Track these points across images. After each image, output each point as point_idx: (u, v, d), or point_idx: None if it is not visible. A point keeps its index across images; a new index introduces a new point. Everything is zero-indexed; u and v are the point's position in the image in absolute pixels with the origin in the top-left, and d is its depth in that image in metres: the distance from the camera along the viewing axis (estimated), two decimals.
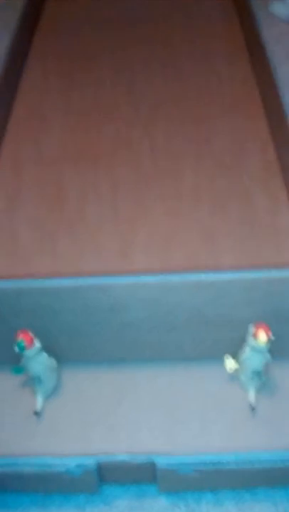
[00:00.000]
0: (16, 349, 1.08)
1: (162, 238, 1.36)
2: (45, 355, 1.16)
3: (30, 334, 1.12)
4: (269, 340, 1.12)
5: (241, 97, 1.70)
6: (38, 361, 1.14)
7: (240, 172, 1.48)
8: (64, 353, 1.27)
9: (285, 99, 1.49)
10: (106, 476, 1.00)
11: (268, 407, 1.13)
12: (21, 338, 1.09)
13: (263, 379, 1.20)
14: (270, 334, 1.13)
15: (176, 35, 1.98)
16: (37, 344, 1.12)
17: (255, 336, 1.13)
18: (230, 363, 1.19)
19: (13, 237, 1.38)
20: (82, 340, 1.29)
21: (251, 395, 1.18)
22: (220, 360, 1.19)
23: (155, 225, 1.38)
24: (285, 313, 1.24)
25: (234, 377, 1.20)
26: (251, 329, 1.15)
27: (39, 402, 1.17)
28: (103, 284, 1.20)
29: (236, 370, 1.20)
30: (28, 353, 1.10)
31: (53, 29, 2.09)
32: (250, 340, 1.14)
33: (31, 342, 1.11)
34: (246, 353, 1.16)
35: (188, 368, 1.19)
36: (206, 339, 1.25)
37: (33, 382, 1.17)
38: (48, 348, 1.21)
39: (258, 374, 1.17)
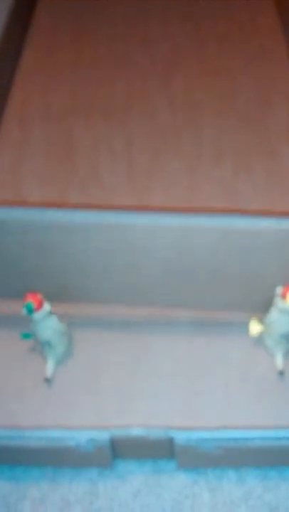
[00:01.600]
0: (25, 311, 1.01)
1: (181, 198, 1.26)
2: (55, 318, 1.08)
3: (40, 296, 1.04)
4: None
5: (266, 46, 1.57)
6: (48, 325, 1.06)
7: (266, 126, 1.37)
8: (73, 299, 1.18)
9: None
10: (120, 450, 0.93)
11: None
12: (30, 300, 1.02)
13: None
14: None
15: None
16: (46, 307, 1.05)
17: (283, 296, 1.04)
18: (254, 326, 1.10)
19: (20, 196, 1.29)
20: (93, 285, 1.19)
21: (279, 360, 1.09)
22: (244, 324, 1.10)
23: (173, 184, 1.29)
24: None
25: (259, 341, 1.11)
26: (279, 290, 1.06)
27: (49, 368, 1.10)
28: (118, 222, 1.08)
29: (261, 334, 1.11)
30: (37, 316, 1.03)
31: None
32: (278, 301, 1.05)
33: (40, 304, 1.03)
34: (273, 315, 1.07)
35: (210, 333, 1.10)
36: (230, 297, 1.15)
37: (42, 347, 1.10)
38: (55, 295, 1.12)
39: (286, 338, 1.08)
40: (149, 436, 0.91)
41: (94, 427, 0.92)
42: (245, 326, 1.10)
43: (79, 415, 0.94)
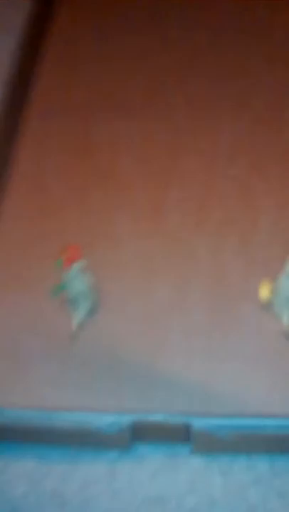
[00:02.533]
0: (58, 264, 1.02)
1: (196, 195, 1.31)
2: (86, 275, 1.10)
3: (78, 250, 1.06)
4: None
5: (283, 45, 1.60)
6: (79, 280, 1.08)
7: (280, 128, 1.41)
8: None
9: None
10: (139, 434, 0.98)
11: None
12: (68, 253, 1.03)
13: None
14: None
15: None
16: (80, 263, 1.06)
17: None
18: (264, 291, 1.14)
19: (43, 190, 1.34)
20: None
21: (285, 319, 1.13)
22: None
23: (189, 181, 1.33)
24: None
25: (269, 307, 1.14)
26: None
27: (76, 322, 1.12)
28: None
29: (271, 299, 1.15)
30: (70, 270, 1.05)
31: None
32: (287, 266, 1.09)
33: (75, 259, 1.05)
34: (282, 280, 1.12)
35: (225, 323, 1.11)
36: None
37: (70, 303, 1.13)
38: None
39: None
40: (167, 421, 0.96)
41: (115, 411, 0.97)
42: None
43: (101, 399, 0.99)
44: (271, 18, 1.70)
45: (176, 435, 0.98)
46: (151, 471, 0.97)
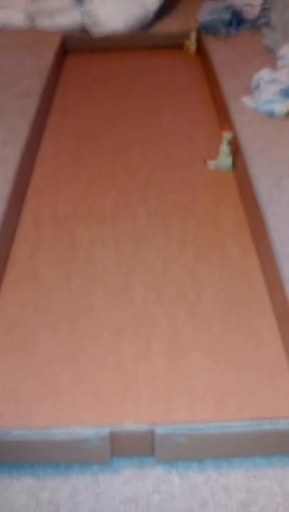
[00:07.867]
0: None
1: (155, 277, 1.72)
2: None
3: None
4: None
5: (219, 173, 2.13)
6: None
7: (217, 227, 1.87)
8: None
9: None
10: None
11: None
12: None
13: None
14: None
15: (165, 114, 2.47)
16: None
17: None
18: (211, 164, 2.13)
19: (35, 278, 1.72)
20: None
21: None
22: None
23: (150, 267, 1.75)
24: None
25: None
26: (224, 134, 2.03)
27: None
28: None
29: (216, 164, 2.12)
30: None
31: (62, 113, 2.57)
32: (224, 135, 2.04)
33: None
34: (221, 147, 2.08)
35: None
36: None
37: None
38: None
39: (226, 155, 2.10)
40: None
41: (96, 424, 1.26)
42: None
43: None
44: (210, 150, 2.25)
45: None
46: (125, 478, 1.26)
